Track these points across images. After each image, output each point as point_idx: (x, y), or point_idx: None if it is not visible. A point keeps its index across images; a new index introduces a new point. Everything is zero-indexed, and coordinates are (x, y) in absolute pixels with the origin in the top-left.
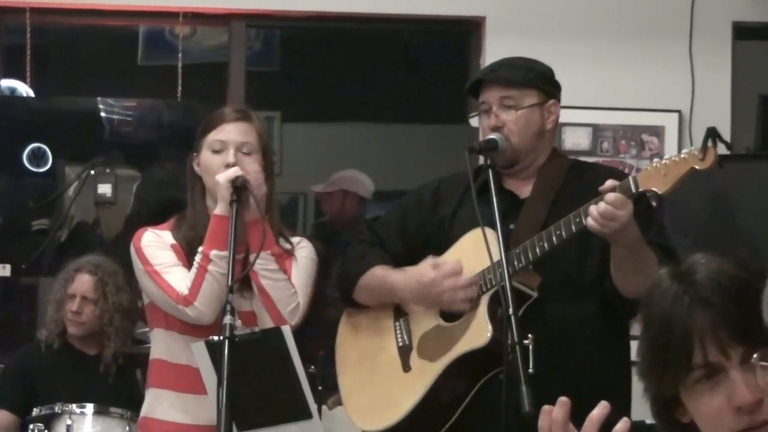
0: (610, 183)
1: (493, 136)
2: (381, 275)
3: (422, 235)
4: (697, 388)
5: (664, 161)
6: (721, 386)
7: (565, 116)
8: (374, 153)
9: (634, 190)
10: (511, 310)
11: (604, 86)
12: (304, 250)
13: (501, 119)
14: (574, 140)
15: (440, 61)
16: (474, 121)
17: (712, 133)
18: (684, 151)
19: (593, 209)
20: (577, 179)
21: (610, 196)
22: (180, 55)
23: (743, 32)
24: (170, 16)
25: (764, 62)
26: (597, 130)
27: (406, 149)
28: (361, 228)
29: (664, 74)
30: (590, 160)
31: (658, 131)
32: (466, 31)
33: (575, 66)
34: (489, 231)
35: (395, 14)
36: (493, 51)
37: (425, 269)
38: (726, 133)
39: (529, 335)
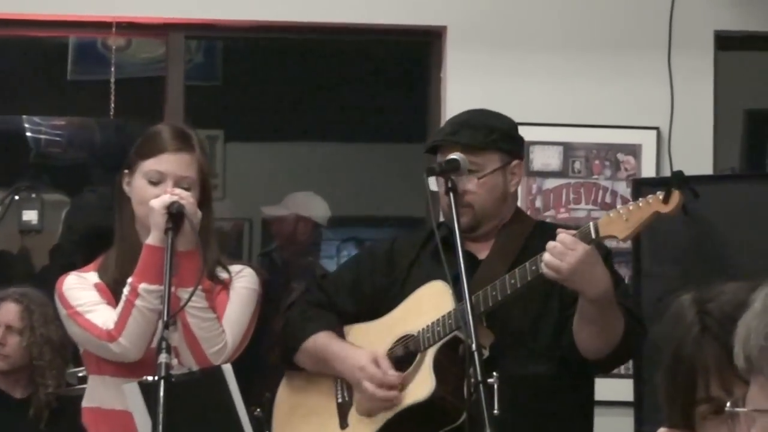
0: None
1: (454, 156)
2: (322, 345)
3: (375, 297)
4: (704, 423)
5: (627, 206)
6: (724, 423)
7: (533, 134)
8: (327, 175)
9: (593, 236)
10: (474, 346)
11: (575, 101)
12: (243, 279)
13: (462, 186)
14: (544, 160)
15: (398, 75)
16: (431, 183)
17: (678, 177)
18: (648, 196)
19: (546, 252)
20: (540, 240)
21: (561, 235)
22: (113, 69)
23: (726, 42)
24: (102, 26)
25: (749, 75)
26: (568, 149)
27: (362, 171)
28: (309, 286)
29: (640, 88)
30: (561, 181)
31: (634, 150)
32: (426, 42)
33: (544, 79)
34: (442, 284)
35: (349, 24)
36: (455, 63)
37: (363, 357)
38: (708, 152)
39: (494, 373)
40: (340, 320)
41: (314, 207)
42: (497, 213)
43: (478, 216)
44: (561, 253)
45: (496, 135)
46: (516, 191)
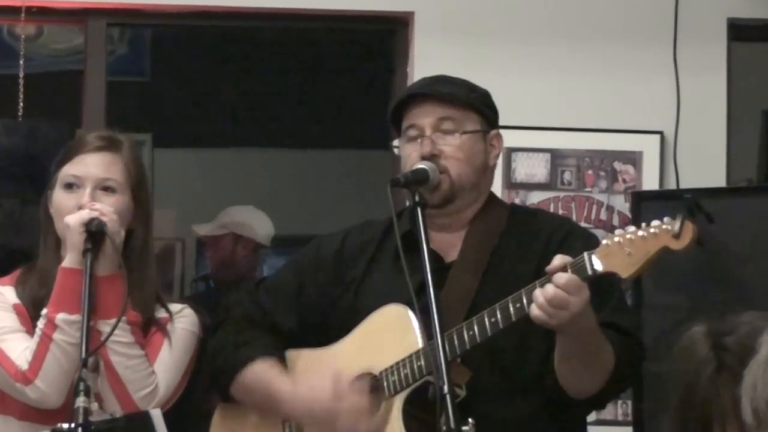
0: (559, 260)
1: (422, 165)
2: (263, 379)
3: (321, 308)
4: None
5: (628, 235)
6: None
7: (516, 139)
8: (272, 187)
9: (590, 272)
10: (446, 388)
11: (564, 101)
12: (184, 320)
13: (438, 146)
14: (528, 170)
15: (358, 69)
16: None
17: (691, 204)
18: (654, 224)
19: (539, 294)
20: (516, 234)
21: (561, 278)
22: (22, 62)
23: (741, 32)
24: (9, 11)
25: None
26: (557, 156)
27: (314, 181)
28: (241, 296)
29: (641, 86)
30: (548, 194)
31: (634, 158)
32: (390, 31)
33: (528, 75)
34: (402, 310)
35: (300, 10)
36: (424, 55)
37: (320, 382)
38: (720, 161)
39: (470, 420)
40: (280, 342)
41: (255, 224)
42: (474, 186)
43: (455, 185)
44: (562, 303)
45: (477, 95)
46: (494, 167)
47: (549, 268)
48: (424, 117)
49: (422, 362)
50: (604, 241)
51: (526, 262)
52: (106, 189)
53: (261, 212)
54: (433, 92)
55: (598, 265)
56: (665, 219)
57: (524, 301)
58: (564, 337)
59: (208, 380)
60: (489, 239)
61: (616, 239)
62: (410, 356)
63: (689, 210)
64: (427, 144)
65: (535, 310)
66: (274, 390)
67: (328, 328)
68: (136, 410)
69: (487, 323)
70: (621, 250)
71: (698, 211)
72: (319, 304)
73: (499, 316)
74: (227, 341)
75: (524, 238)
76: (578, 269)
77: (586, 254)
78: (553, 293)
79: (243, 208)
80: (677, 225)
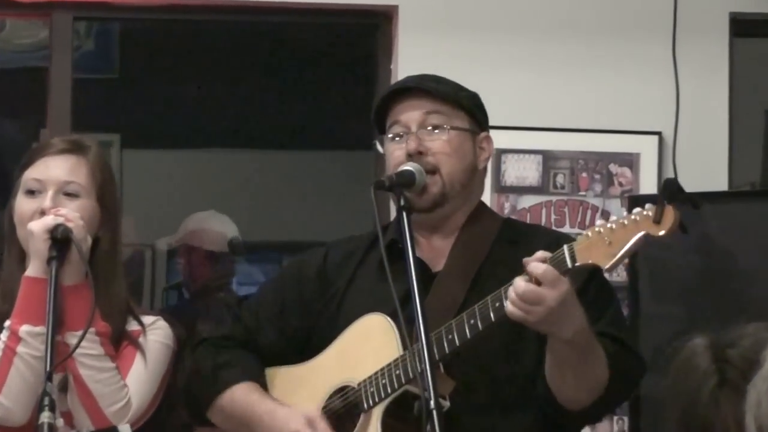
0: (540, 254)
1: (408, 167)
2: (244, 402)
3: (305, 325)
4: None
5: (609, 225)
6: None
7: (506, 140)
8: (248, 191)
9: (569, 264)
10: (433, 403)
11: (558, 100)
12: (157, 333)
13: (424, 143)
14: (519, 173)
15: (339, 66)
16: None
17: (671, 187)
18: (635, 211)
19: (511, 290)
20: (511, 244)
21: (537, 268)
22: None
23: (744, 27)
24: None
25: None
26: (549, 158)
27: (293, 185)
28: (224, 315)
29: (639, 84)
30: (540, 198)
31: (631, 160)
32: (373, 26)
33: (519, 73)
34: (382, 318)
35: (277, 3)
36: (408, 51)
37: (295, 420)
38: (722, 163)
39: None
40: (262, 361)
41: (207, 233)
42: (465, 187)
43: (447, 185)
44: (536, 298)
45: (466, 94)
46: (484, 171)
47: (526, 260)
48: (410, 112)
49: (401, 371)
50: (584, 233)
51: (519, 274)
52: (69, 194)
53: (222, 216)
54: (421, 86)
55: (578, 257)
56: (647, 205)
57: (504, 299)
58: (553, 341)
59: (184, 403)
60: (479, 248)
61: (597, 229)
62: (389, 365)
63: (671, 194)
64: (413, 141)
65: (509, 306)
66: (251, 414)
67: (312, 345)
68: (108, 425)
69: (466, 326)
70: (601, 240)
71: (678, 196)
72: (303, 322)
73: (478, 317)
74: (207, 363)
75: (519, 249)
76: (557, 263)
77: (565, 246)
78: (524, 287)
79: (201, 214)
80: (657, 209)
